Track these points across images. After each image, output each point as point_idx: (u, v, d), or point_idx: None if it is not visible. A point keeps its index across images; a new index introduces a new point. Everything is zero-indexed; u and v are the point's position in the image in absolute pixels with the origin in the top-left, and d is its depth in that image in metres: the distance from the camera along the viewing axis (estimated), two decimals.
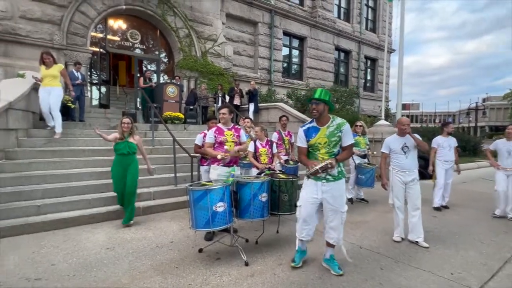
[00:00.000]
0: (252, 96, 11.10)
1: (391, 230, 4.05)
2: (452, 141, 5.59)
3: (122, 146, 4.26)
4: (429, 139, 6.19)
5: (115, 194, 4.53)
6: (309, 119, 3.08)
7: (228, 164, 3.83)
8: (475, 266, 3.20)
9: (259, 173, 4.14)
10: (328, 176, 2.88)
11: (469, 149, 14.64)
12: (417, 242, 3.72)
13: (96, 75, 11.38)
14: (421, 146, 3.79)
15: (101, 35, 10.49)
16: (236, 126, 4.08)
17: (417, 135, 3.84)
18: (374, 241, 3.88)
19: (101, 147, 6.19)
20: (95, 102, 11.11)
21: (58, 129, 5.86)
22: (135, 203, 4.47)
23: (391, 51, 20.20)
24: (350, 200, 5.89)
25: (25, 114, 5.86)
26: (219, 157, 3.71)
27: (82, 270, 2.95)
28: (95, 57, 10.52)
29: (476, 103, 37.15)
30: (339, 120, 2.93)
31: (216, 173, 3.81)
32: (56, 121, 5.85)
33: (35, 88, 6.38)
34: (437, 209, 5.48)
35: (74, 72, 7.94)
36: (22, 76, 7.16)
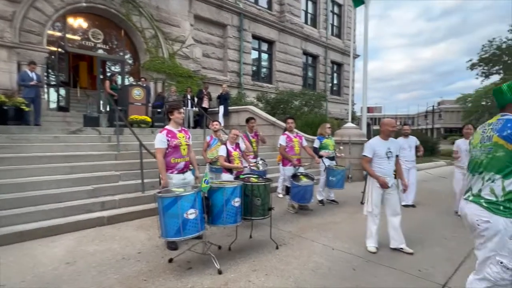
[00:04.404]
0: (223, 99, 10.99)
1: (361, 231, 4.07)
2: (413, 141, 5.84)
3: None
4: None
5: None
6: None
7: (182, 171, 3.62)
8: (440, 262, 3.34)
9: (237, 177, 4.06)
10: None
11: (427, 149, 15.60)
12: (401, 249, 3.60)
13: (54, 76, 10.64)
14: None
15: (59, 34, 9.82)
16: (185, 128, 3.83)
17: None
18: (346, 241, 3.93)
19: (60, 153, 5.76)
20: (53, 105, 10.39)
21: None
22: None
23: (355, 56, 21.00)
24: (321, 202, 5.96)
25: None
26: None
27: None
28: (53, 57, 9.84)
29: (433, 106, 39.77)
30: None
31: (172, 183, 3.50)
32: None
33: None
34: (404, 206, 5.72)
35: (28, 72, 7.35)
36: None
